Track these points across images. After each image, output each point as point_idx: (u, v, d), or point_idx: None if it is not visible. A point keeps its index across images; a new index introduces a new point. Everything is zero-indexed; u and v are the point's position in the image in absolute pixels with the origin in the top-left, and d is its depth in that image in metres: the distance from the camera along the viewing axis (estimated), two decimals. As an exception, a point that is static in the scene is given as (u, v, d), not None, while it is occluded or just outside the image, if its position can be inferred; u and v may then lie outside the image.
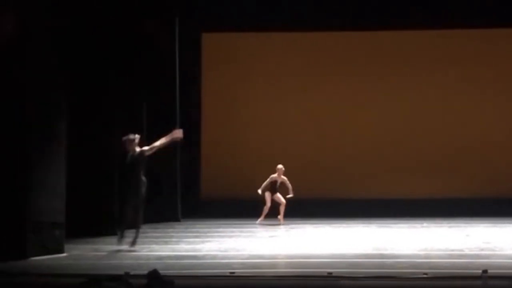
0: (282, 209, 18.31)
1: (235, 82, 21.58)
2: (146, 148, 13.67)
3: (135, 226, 13.71)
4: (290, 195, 18.19)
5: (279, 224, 18.00)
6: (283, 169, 18.29)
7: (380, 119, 21.39)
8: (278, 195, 18.32)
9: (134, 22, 17.71)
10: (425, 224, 17.56)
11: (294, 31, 21.41)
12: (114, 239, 15.20)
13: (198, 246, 13.98)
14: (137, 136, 13.72)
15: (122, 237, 13.70)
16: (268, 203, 18.25)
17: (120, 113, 16.90)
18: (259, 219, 18.19)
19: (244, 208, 19.22)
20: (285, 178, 18.31)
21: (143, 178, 13.71)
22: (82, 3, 15.31)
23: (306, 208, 19.66)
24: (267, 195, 18.26)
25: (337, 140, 21.38)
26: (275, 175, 18.29)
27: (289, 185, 18.24)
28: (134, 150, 13.62)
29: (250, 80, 21.56)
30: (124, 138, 13.65)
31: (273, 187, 18.30)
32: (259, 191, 18.18)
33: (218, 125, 21.39)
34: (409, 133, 21.32)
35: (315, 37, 21.71)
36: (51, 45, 13.10)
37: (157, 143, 13.64)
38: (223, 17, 20.91)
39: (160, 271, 9.26)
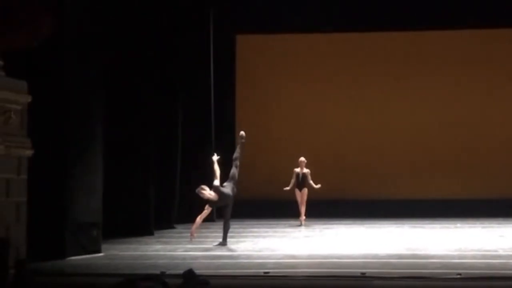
0: (302, 209, 18.21)
1: (269, 83, 21.67)
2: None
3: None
4: (317, 186, 18.03)
5: (300, 225, 17.93)
6: (305, 161, 18.14)
7: (413, 120, 21.37)
8: (303, 191, 18.21)
9: (170, 26, 17.86)
10: (458, 225, 17.52)
11: (323, 33, 21.48)
12: (149, 239, 15.41)
13: (232, 246, 14.07)
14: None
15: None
16: (299, 198, 18.16)
17: (156, 115, 17.07)
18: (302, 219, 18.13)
19: (277, 208, 19.32)
20: (307, 171, 18.17)
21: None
22: (118, 11, 15.46)
23: (339, 208, 19.72)
24: (296, 192, 18.21)
25: (371, 140, 21.39)
26: (297, 169, 18.20)
27: (310, 180, 18.10)
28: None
29: (284, 81, 21.64)
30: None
31: (297, 182, 18.18)
32: (287, 188, 18.09)
33: (252, 126, 21.42)
34: (444, 133, 21.27)
35: (344, 39, 21.81)
36: (89, 46, 13.27)
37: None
38: (256, 19, 21.02)
39: (196, 271, 9.35)
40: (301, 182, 18.10)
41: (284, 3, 20.68)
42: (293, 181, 18.17)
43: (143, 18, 16.62)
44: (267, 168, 20.68)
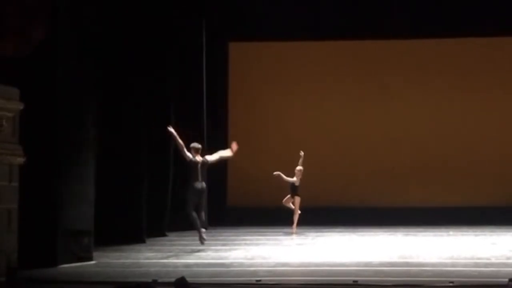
0: (295, 217, 18.11)
1: (262, 91, 21.68)
2: (208, 157, 14.94)
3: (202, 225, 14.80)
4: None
5: (292, 233, 17.86)
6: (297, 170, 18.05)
7: (405, 127, 21.40)
8: (296, 199, 18.04)
9: (162, 32, 17.86)
10: (451, 233, 17.52)
11: (317, 40, 21.51)
12: (141, 247, 15.37)
13: (225, 254, 14.06)
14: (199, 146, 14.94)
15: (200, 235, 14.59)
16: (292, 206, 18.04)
17: (148, 122, 17.06)
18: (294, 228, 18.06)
19: (270, 216, 19.28)
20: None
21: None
22: (111, 18, 15.45)
23: (331, 216, 19.71)
24: (288, 197, 18.07)
25: (364, 148, 21.39)
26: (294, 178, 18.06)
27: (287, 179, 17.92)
28: (195, 157, 14.75)
29: (277, 89, 21.64)
30: (193, 145, 14.85)
31: (291, 190, 18.11)
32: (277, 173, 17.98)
33: (245, 133, 21.46)
34: (434, 141, 21.29)
35: (337, 46, 21.80)
36: (82, 52, 13.25)
37: (216, 156, 15.06)
38: (249, 27, 21.03)
39: (188, 279, 9.34)
40: (294, 190, 17.99)
41: (277, 10, 20.67)
42: (287, 179, 17.93)
43: (136, 25, 16.61)
44: (260, 175, 20.63)
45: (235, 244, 15.72)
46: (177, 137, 14.82)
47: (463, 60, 21.41)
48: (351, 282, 10.14)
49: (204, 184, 14.92)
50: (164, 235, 17.61)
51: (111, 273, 11.53)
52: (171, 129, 14.88)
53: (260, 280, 10.39)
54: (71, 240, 12.75)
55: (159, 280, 10.19)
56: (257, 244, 15.59)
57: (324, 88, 21.61)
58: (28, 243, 11.56)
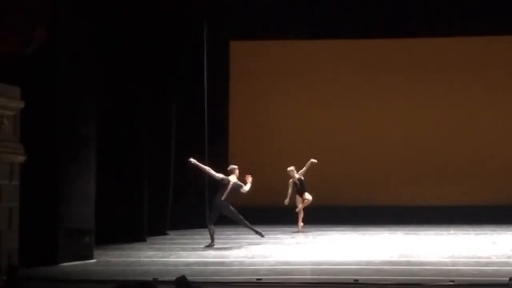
0: (300, 215, 18.15)
1: (263, 90, 21.67)
2: (242, 185, 15.17)
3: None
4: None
5: (298, 232, 17.89)
6: (293, 169, 18.02)
7: (406, 126, 21.38)
8: (304, 197, 18.09)
9: (163, 31, 17.86)
10: (451, 232, 17.52)
11: (318, 39, 21.50)
12: (142, 245, 15.38)
13: (225, 253, 14.07)
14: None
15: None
16: (300, 205, 18.07)
17: (149, 121, 17.06)
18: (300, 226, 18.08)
19: (270, 215, 19.26)
20: (299, 176, 18.11)
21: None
22: (112, 17, 15.46)
23: (332, 214, 19.69)
24: (298, 199, 18.14)
25: (364, 147, 21.38)
26: (291, 179, 18.07)
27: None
28: (229, 177, 15.15)
29: (277, 88, 21.63)
30: (231, 167, 15.37)
31: (297, 189, 18.14)
32: (287, 200, 18.05)
33: (246, 133, 21.49)
34: (436, 140, 21.28)
35: (342, 45, 21.80)
36: (82, 52, 13.26)
37: (246, 188, 15.29)
38: (251, 25, 21.02)
39: (188, 278, 9.33)
40: (301, 188, 18.03)
41: (279, 9, 20.65)
42: (290, 191, 18.03)
43: (136, 24, 16.61)
44: (261, 174, 20.56)
45: (235, 243, 15.72)
46: (200, 165, 15.26)
47: (464, 59, 21.37)
48: (352, 281, 10.15)
49: (225, 203, 15.02)
50: (165, 233, 17.61)
51: (112, 272, 11.54)
52: (193, 160, 15.16)
53: (260, 279, 10.41)
54: (72, 239, 12.77)
55: (160, 279, 10.20)
56: (257, 243, 15.58)
57: (326, 87, 21.58)
58: (29, 242, 11.59)
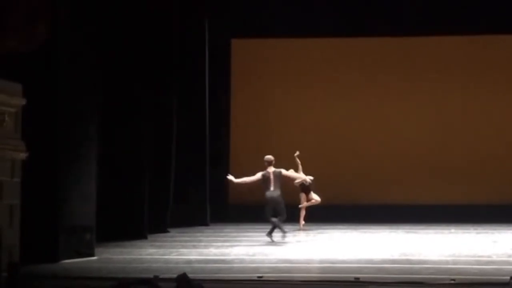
0: (302, 213, 18.16)
1: (264, 88, 21.66)
2: (282, 170, 15.75)
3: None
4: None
5: (299, 230, 17.89)
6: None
7: (407, 125, 21.39)
8: (310, 196, 18.17)
9: (164, 29, 17.85)
10: (452, 230, 17.52)
11: (319, 37, 21.49)
12: (143, 243, 15.39)
13: (226, 250, 14.07)
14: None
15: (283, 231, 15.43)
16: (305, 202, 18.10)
17: (150, 119, 17.06)
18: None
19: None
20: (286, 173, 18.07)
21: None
22: (113, 15, 15.45)
23: (333, 213, 19.70)
24: (301, 195, 18.16)
25: (365, 145, 21.38)
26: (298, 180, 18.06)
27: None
28: (267, 169, 15.61)
29: (278, 86, 21.62)
30: (266, 158, 15.81)
31: (303, 188, 18.16)
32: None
33: (247, 131, 21.48)
34: (437, 139, 21.28)
35: (344, 43, 21.79)
36: (83, 50, 13.26)
37: (293, 174, 16.54)
38: (252, 23, 21.02)
39: (189, 275, 9.35)
40: (307, 187, 18.03)
41: (280, 7, 20.66)
42: (303, 195, 18.10)
43: (138, 22, 16.59)
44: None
45: (236, 241, 15.74)
46: (240, 180, 15.81)
47: (464, 58, 21.37)
48: (353, 279, 10.15)
49: (277, 193, 15.40)
50: (165, 231, 17.62)
51: (112, 269, 11.54)
52: (231, 177, 15.81)
53: (261, 277, 10.40)
54: (73, 236, 12.77)
55: (161, 276, 10.20)
56: (258, 241, 15.60)
57: (327, 85, 21.58)
58: (30, 239, 11.58)
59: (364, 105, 21.50)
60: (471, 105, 21.34)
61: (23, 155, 11.08)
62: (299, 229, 17.93)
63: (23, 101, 11.11)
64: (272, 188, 15.38)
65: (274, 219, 15.36)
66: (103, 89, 14.42)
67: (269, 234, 15.33)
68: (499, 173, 20.83)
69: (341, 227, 18.44)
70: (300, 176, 17.55)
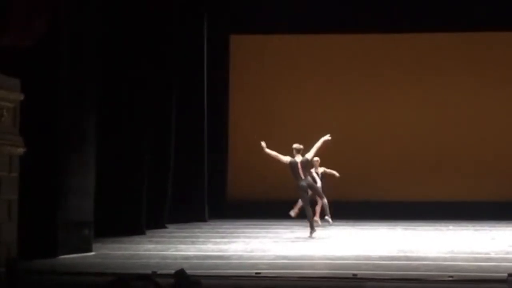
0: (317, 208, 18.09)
1: (263, 84, 21.67)
2: (307, 155, 15.65)
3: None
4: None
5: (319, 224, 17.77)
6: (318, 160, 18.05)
7: (406, 122, 21.41)
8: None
9: (163, 25, 17.84)
10: (450, 227, 17.54)
11: (319, 34, 21.49)
12: (141, 238, 15.39)
13: (224, 247, 14.07)
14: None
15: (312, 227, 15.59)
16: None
17: (149, 114, 17.05)
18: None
19: (269, 209, 19.28)
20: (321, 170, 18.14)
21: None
22: (112, 11, 15.44)
23: (332, 210, 19.68)
24: None
25: (363, 142, 21.40)
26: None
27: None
28: (295, 158, 15.59)
29: (277, 82, 21.63)
30: (294, 146, 15.70)
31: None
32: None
33: (245, 127, 21.48)
34: (435, 136, 21.30)
35: (343, 40, 21.79)
36: (83, 44, 13.25)
37: (314, 149, 15.83)
38: (251, 19, 21.02)
39: (187, 271, 9.34)
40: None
41: (279, 3, 20.66)
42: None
43: (137, 18, 16.59)
44: (260, 168, 20.62)
45: (234, 237, 15.74)
46: (270, 152, 15.76)
47: (468, 56, 21.39)
48: (351, 276, 10.14)
49: (308, 180, 15.65)
50: (164, 227, 17.63)
51: (110, 265, 11.53)
52: (263, 144, 15.77)
53: (259, 273, 10.39)
54: (71, 231, 12.76)
55: (159, 272, 10.18)
56: (256, 237, 15.60)
57: (327, 81, 21.59)
58: (28, 234, 11.57)
59: (364, 102, 21.52)
60: (470, 102, 21.35)
61: (21, 150, 11.07)
62: (318, 224, 17.63)
63: (21, 97, 11.11)
64: (303, 177, 15.50)
65: (325, 201, 15.74)
66: (102, 84, 14.40)
67: (323, 218, 15.81)
68: (497, 170, 20.86)
69: (339, 223, 18.41)
70: (331, 172, 18.03)
